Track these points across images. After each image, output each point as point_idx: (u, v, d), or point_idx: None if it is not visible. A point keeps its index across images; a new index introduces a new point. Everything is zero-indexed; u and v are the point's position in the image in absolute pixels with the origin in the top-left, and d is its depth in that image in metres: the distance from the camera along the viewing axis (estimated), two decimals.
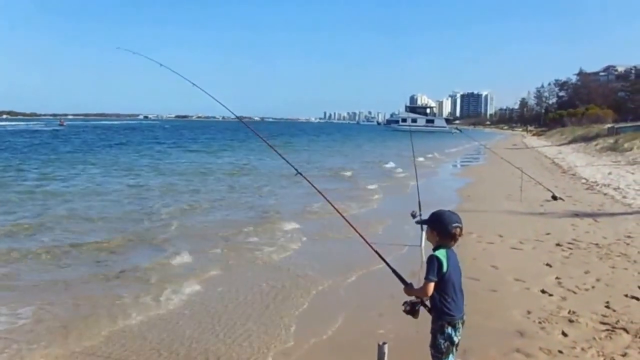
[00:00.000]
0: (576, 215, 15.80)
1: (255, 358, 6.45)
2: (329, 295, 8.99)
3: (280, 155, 7.03)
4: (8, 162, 32.78)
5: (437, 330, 4.67)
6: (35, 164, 32.79)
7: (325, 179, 25.91)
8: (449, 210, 4.82)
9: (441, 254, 4.60)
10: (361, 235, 5.46)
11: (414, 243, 11.68)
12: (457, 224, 4.62)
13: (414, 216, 10.74)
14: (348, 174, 29.65)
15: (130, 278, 9.65)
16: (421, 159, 37.30)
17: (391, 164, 35.12)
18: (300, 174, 6.16)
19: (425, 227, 4.91)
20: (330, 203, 6.12)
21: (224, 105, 8.37)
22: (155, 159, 38.85)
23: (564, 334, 6.92)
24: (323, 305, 8.55)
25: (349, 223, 5.83)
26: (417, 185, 12.64)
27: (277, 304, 8.40)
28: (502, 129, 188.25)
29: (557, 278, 9.46)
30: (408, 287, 4.83)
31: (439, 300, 4.62)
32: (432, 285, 4.56)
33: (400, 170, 30.93)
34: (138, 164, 34.46)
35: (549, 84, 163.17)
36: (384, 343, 4.79)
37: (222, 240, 12.53)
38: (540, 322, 7.34)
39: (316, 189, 6.12)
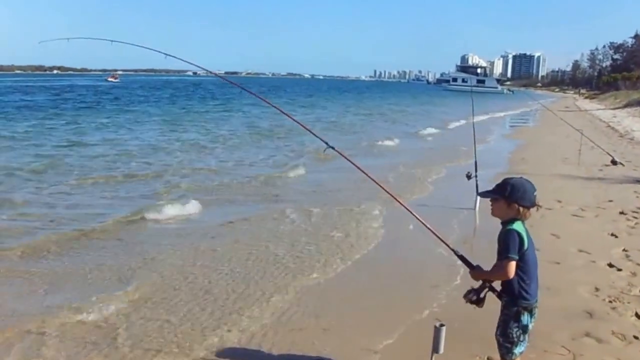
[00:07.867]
0: (638, 182, 14.75)
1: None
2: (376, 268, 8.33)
3: (313, 133, 5.89)
4: None
5: (512, 317, 3.99)
6: None
7: None
8: (521, 177, 4.09)
9: (519, 227, 3.89)
10: (421, 220, 4.54)
11: (468, 206, 10.95)
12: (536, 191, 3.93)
13: (469, 177, 10.09)
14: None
15: None
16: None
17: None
18: (333, 148, 5.27)
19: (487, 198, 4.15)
20: (374, 180, 5.16)
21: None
22: None
23: (638, 316, 6.16)
24: (370, 279, 7.85)
25: (402, 204, 4.76)
26: (475, 147, 11.87)
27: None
28: (553, 91, 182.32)
29: (624, 250, 8.65)
30: (476, 271, 4.09)
31: (517, 283, 3.92)
32: (514, 265, 3.84)
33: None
34: None
35: (604, 47, 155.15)
36: (442, 325, 4.13)
37: None
38: (610, 302, 6.57)
39: (355, 165, 5.24)
